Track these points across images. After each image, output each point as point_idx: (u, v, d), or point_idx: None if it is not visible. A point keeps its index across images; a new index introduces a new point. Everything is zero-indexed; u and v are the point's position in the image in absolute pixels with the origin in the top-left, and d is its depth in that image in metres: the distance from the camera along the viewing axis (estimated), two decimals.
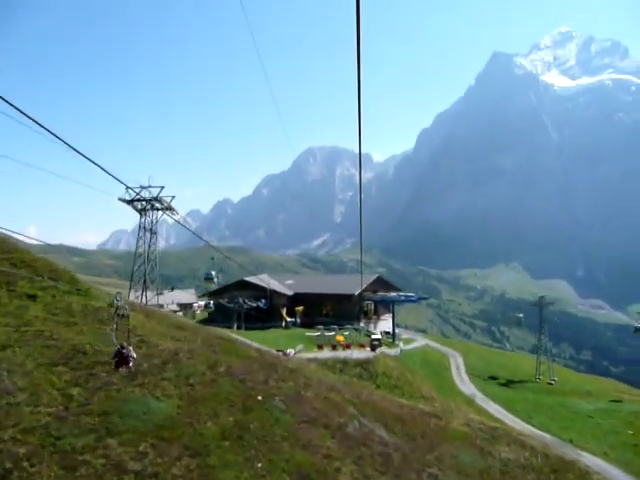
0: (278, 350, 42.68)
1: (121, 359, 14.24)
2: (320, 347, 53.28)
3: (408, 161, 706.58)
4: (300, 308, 75.35)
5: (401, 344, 68.09)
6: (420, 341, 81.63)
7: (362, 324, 72.94)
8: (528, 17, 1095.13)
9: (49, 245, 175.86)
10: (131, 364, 14.24)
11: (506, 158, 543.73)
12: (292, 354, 44.59)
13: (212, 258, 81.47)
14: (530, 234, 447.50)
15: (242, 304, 67.70)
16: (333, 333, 58.04)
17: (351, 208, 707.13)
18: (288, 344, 50.74)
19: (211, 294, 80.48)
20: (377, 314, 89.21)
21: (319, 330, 58.51)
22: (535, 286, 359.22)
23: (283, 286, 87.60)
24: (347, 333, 59.86)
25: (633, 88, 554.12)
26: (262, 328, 68.35)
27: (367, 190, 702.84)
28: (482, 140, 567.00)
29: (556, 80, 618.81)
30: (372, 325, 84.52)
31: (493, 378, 60.03)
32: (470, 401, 43.45)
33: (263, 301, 72.77)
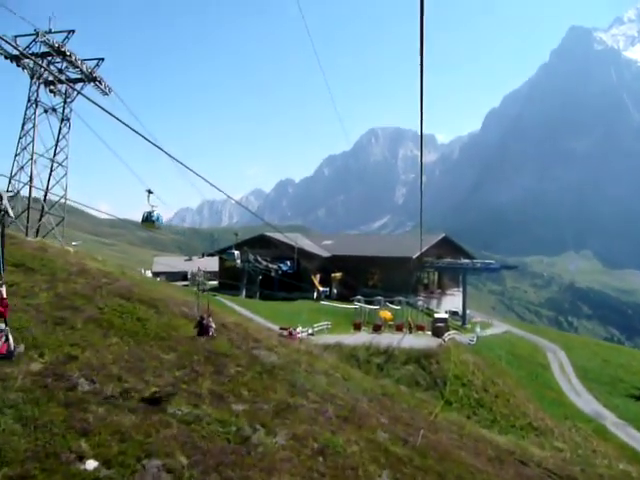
0: (282, 328, 33.04)
1: (201, 329, 16.38)
2: (357, 327, 42.36)
3: (474, 143, 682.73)
4: (338, 275, 58.38)
5: (477, 329, 52.78)
6: (499, 326, 63.52)
7: (421, 299, 55.25)
8: None
9: (119, 219, 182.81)
10: (211, 333, 16.26)
11: (580, 140, 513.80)
12: (300, 335, 32.99)
13: (235, 234, 70.20)
14: (604, 221, 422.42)
15: (257, 265, 51.30)
16: (377, 307, 45.09)
17: (413, 190, 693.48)
18: (311, 321, 40.13)
19: (219, 253, 65.19)
20: (442, 287, 72.97)
21: (357, 303, 45.12)
22: (607, 275, 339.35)
23: (318, 247, 71.42)
24: (398, 308, 46.00)
25: None
26: (286, 299, 55.74)
27: (430, 172, 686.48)
28: (554, 121, 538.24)
29: None
30: (434, 302, 67.64)
31: (615, 385, 40.10)
32: (599, 428, 28.21)
33: (288, 263, 57.63)
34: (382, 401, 15.02)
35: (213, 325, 17.78)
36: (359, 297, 46.40)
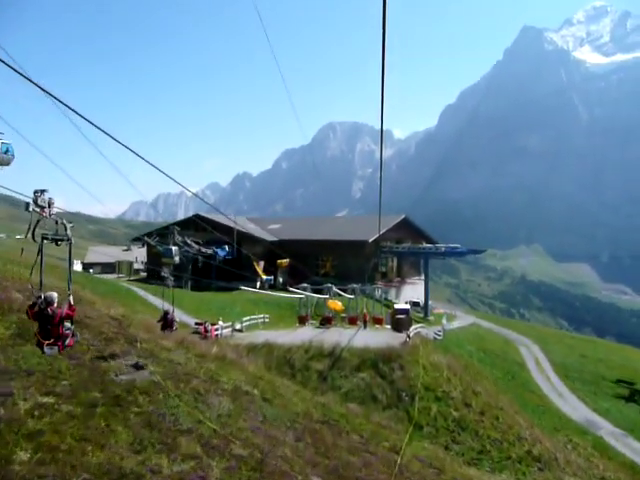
0: (197, 323, 29.90)
1: (165, 323, 17.96)
2: (302, 320, 37.26)
3: (430, 138, 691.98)
4: (284, 261, 52.54)
5: (444, 321, 48.54)
6: (463, 318, 58.79)
7: (379, 289, 49.48)
8: None
9: (69, 213, 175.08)
10: (175, 327, 17.75)
11: (532, 137, 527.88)
12: (221, 331, 29.24)
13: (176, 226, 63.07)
14: (554, 216, 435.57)
15: (187, 250, 41.75)
16: (327, 297, 38.05)
17: (370, 185, 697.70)
18: (247, 314, 36.03)
19: (148, 237, 50.21)
20: (401, 275, 66.69)
21: (303, 291, 38.38)
22: (557, 269, 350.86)
23: (263, 231, 65.15)
24: (352, 297, 39.52)
25: None
26: (223, 289, 49.60)
27: (387, 167, 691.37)
28: (508, 118, 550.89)
29: (588, 57, 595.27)
30: (393, 292, 61.87)
31: (599, 383, 35.69)
32: (598, 442, 23.54)
33: (226, 248, 49.42)
34: (319, 436, 10.00)
35: (177, 319, 19.09)
36: (305, 285, 40.19)
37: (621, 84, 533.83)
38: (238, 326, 33.01)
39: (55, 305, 8.93)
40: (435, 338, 39.21)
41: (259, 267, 53.83)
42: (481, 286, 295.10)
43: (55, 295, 8.89)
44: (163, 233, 44.98)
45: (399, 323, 34.76)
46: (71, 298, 9.18)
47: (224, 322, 32.31)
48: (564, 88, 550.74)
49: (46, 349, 8.82)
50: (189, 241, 39.29)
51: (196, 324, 30.07)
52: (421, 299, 58.50)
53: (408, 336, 29.26)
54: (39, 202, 7.80)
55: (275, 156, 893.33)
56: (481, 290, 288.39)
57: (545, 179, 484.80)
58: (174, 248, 32.34)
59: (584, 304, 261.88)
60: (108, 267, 73.47)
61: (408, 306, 41.17)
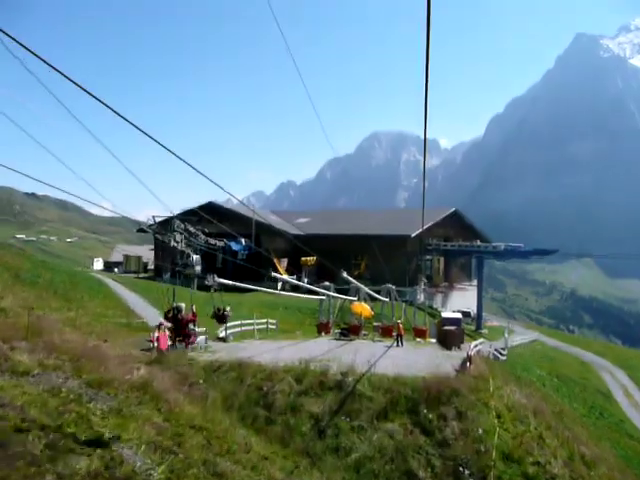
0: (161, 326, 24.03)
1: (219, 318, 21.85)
2: (323, 329, 31.07)
3: (477, 148, 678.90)
4: (310, 259, 44.81)
5: (506, 335, 40.40)
6: (524, 333, 50.19)
7: (422, 293, 42.85)
8: None
9: (118, 217, 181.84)
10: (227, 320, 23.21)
11: (584, 147, 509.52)
12: (203, 342, 21.56)
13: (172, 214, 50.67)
14: (607, 229, 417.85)
15: (194, 241, 32.35)
16: (354, 299, 30.44)
17: (415, 194, 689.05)
18: (253, 318, 29.53)
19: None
20: (449, 279, 58.47)
21: (324, 292, 29.65)
22: (609, 285, 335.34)
23: (289, 225, 56.99)
24: (387, 300, 32.66)
25: None
26: (237, 290, 36.39)
27: (433, 177, 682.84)
28: (558, 128, 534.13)
29: None
30: (439, 298, 53.56)
31: None
32: None
33: (243, 242, 43.07)
34: None
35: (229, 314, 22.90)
36: (327, 284, 32.10)
37: None
38: (222, 333, 25.75)
39: (183, 312, 12.94)
40: (496, 357, 31.89)
41: (281, 265, 47.64)
42: (528, 301, 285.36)
43: (183, 305, 12.11)
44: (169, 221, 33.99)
45: (448, 337, 27.58)
46: (194, 307, 14.24)
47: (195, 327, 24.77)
48: (620, 95, 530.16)
49: (177, 345, 11.78)
50: (193, 230, 31.33)
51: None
52: (472, 309, 50.47)
53: (469, 359, 19.49)
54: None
55: (320, 165, 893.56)
56: (528, 305, 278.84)
57: (597, 189, 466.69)
58: (195, 257, 28.92)
59: (638, 322, 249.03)
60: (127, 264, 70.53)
61: (459, 315, 33.74)
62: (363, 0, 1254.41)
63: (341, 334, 30.12)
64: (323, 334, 31.14)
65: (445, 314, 34.48)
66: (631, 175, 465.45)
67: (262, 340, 27.17)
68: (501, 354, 33.24)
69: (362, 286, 30.02)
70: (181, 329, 19.35)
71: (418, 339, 30.22)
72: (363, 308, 30.40)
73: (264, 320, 31.26)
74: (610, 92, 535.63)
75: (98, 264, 68.72)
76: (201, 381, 15.24)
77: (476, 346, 26.83)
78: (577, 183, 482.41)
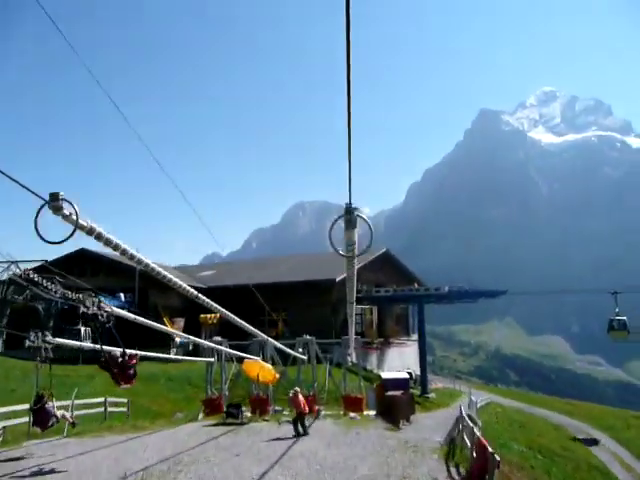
0: None
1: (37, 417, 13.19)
2: (213, 407, 22.51)
3: (398, 215, 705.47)
4: (211, 317, 36.37)
5: (474, 399, 31.44)
6: (474, 394, 38.60)
7: (351, 353, 29.81)
8: (513, 76, 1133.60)
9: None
10: (51, 423, 12.68)
11: (497, 211, 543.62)
12: None
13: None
14: (523, 287, 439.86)
15: (47, 294, 23.13)
16: (257, 358, 21.98)
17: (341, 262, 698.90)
18: (104, 395, 23.00)
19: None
20: (384, 334, 49.75)
21: (216, 346, 21.23)
22: (530, 342, 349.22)
23: (189, 277, 47.37)
24: (305, 357, 25.36)
25: (618, 145, 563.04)
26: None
27: (358, 244, 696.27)
28: (472, 194, 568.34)
29: (543, 137, 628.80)
30: (373, 357, 45.19)
31: None
32: None
33: (122, 297, 37.15)
34: None
35: (57, 413, 13.09)
36: (218, 338, 23.66)
37: (574, 160, 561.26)
38: None
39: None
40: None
41: (172, 325, 38.09)
42: (456, 362, 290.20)
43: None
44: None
45: (394, 407, 20.50)
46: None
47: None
48: (523, 164, 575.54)
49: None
50: (41, 280, 23.80)
51: None
52: (413, 368, 42.56)
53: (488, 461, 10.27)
54: None
55: (245, 236, 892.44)
56: (456, 366, 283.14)
57: (513, 249, 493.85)
58: (83, 329, 23.16)
59: (560, 376, 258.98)
60: None
61: (406, 375, 27.20)
62: (279, 75, 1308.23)
63: (227, 414, 21.57)
64: (207, 415, 22.71)
65: (386, 374, 27.41)
66: (542, 234, 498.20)
67: (78, 437, 17.91)
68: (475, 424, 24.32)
69: (269, 339, 21.40)
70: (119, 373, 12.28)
71: (351, 414, 22.38)
72: (262, 368, 20.38)
73: (101, 400, 22.90)
74: (514, 162, 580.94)
75: None
76: None
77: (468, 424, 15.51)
78: (494, 245, 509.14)
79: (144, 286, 39.15)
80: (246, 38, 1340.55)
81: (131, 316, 12.58)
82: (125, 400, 24.84)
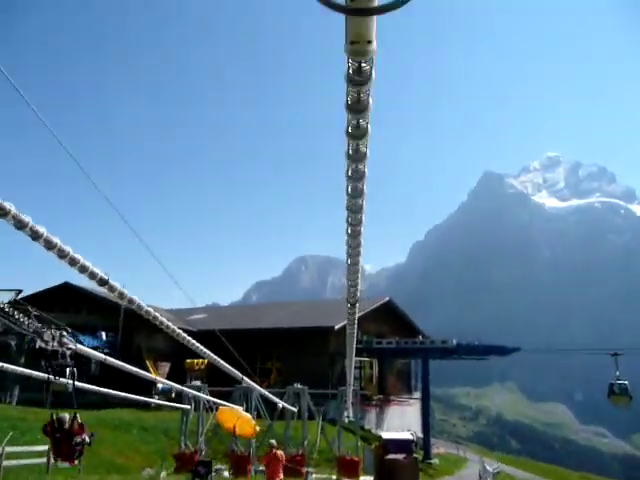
0: None
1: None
2: (185, 462, 18.59)
3: (400, 273, 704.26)
4: (198, 362, 33.49)
5: (485, 467, 29.58)
6: (477, 460, 36.62)
7: (349, 408, 25.43)
8: (517, 140, 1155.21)
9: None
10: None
11: (499, 273, 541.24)
12: None
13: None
14: (526, 353, 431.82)
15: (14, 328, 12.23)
16: (240, 408, 18.57)
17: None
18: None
19: None
20: (384, 390, 47.11)
21: (195, 392, 18.31)
22: (532, 408, 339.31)
23: (179, 320, 43.12)
24: (295, 410, 21.63)
25: (622, 211, 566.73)
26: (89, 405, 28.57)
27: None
28: (474, 255, 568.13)
29: (546, 201, 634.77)
30: (372, 416, 42.21)
31: None
32: None
33: (104, 336, 35.96)
34: None
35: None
36: (197, 383, 20.72)
37: (578, 226, 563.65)
38: None
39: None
40: None
41: (155, 370, 35.78)
42: (456, 426, 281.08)
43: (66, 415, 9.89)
44: None
45: (396, 473, 18.35)
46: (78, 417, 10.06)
47: None
48: (526, 227, 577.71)
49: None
50: (16, 314, 19.15)
51: None
52: (415, 430, 36.92)
53: None
54: None
55: (246, 288, 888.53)
56: (456, 431, 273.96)
57: (514, 312, 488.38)
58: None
59: (563, 446, 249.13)
60: None
61: (410, 436, 23.26)
62: (280, 129, 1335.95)
63: (194, 474, 17.59)
64: (177, 472, 19.51)
65: (387, 434, 24.06)
66: (544, 298, 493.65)
67: None
68: None
69: (256, 386, 18.91)
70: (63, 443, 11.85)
71: (343, 478, 19.17)
72: (239, 419, 17.25)
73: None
74: (517, 224, 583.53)
75: None
76: None
77: None
78: (496, 307, 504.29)
79: (129, 326, 37.10)
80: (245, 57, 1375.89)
81: (101, 356, 11.26)
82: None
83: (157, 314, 9.75)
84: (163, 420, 30.27)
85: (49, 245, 4.22)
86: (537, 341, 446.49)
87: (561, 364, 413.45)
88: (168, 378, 33.54)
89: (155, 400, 20.42)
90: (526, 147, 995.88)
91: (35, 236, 3.97)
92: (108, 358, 11.03)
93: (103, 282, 5.39)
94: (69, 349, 9.56)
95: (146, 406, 28.14)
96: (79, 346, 10.08)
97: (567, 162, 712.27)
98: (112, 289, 5.82)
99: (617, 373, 28.27)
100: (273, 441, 15.43)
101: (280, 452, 14.84)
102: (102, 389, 16.70)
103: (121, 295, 6.31)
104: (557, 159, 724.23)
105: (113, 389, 15.62)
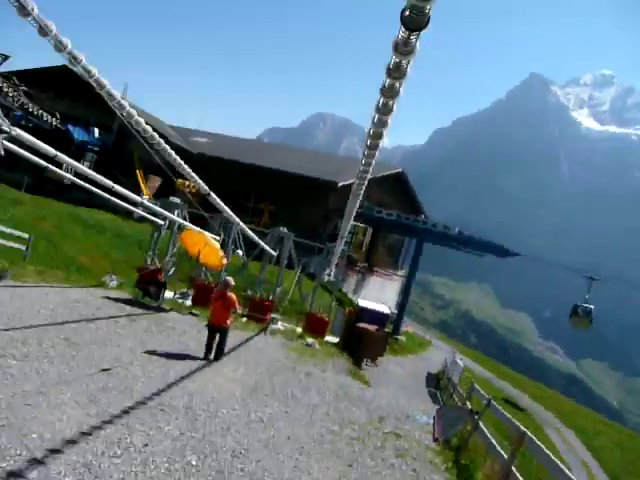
0: None
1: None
2: (146, 277, 17.91)
3: (415, 156, 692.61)
4: (189, 184, 23.31)
5: (459, 361, 25.82)
6: (438, 345, 42.75)
7: (332, 267, 24.04)
8: (574, 47, 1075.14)
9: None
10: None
11: (510, 180, 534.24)
12: None
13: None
14: (512, 263, 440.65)
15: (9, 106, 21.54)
16: (218, 238, 19.71)
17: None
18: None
19: None
20: (371, 260, 46.00)
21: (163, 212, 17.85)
22: (500, 313, 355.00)
23: (180, 138, 42.38)
24: (275, 254, 21.40)
25: None
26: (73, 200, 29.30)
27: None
28: (492, 156, 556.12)
29: (585, 120, 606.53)
30: (352, 281, 41.54)
31: None
32: None
33: (96, 132, 33.54)
34: None
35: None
36: (175, 200, 19.47)
37: (607, 153, 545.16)
38: None
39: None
40: None
41: (146, 183, 33.55)
42: (424, 311, 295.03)
43: None
44: None
45: (364, 341, 17.95)
46: None
47: None
48: (554, 142, 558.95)
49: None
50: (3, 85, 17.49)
51: None
52: (391, 305, 37.85)
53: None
54: None
55: (259, 131, 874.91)
56: (423, 314, 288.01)
57: (513, 223, 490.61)
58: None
59: (517, 353, 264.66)
60: None
61: (387, 310, 23.69)
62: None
63: (144, 292, 17.66)
64: (137, 287, 18.26)
65: (364, 302, 23.15)
66: (548, 219, 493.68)
67: None
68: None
69: (240, 221, 17.42)
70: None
71: (309, 340, 18.00)
72: (206, 245, 17.21)
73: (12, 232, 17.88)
74: (546, 136, 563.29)
75: None
76: None
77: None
78: (499, 212, 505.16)
79: (126, 131, 35.01)
80: None
81: (43, 146, 10.27)
82: (27, 236, 18.58)
83: (148, 127, 8.54)
84: (141, 232, 28.31)
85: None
86: (525, 258, 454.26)
87: (540, 279, 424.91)
88: (158, 193, 32.84)
89: (133, 208, 18.99)
90: (583, 58, 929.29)
91: None
92: (59, 154, 10.82)
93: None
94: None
95: (128, 215, 26.86)
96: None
97: (619, 85, 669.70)
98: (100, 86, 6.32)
99: (587, 297, 27.96)
100: (230, 278, 13.11)
101: (232, 295, 12.66)
102: (87, 185, 15.56)
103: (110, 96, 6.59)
104: (610, 79, 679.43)
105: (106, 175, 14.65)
